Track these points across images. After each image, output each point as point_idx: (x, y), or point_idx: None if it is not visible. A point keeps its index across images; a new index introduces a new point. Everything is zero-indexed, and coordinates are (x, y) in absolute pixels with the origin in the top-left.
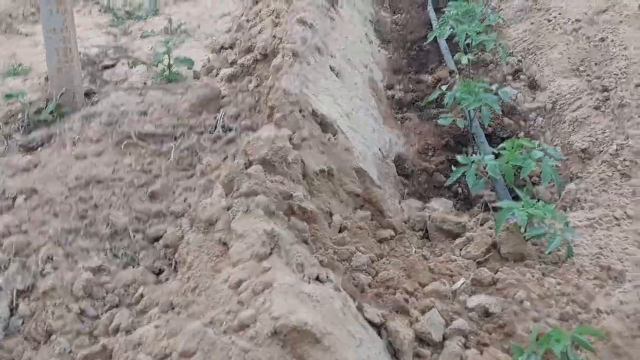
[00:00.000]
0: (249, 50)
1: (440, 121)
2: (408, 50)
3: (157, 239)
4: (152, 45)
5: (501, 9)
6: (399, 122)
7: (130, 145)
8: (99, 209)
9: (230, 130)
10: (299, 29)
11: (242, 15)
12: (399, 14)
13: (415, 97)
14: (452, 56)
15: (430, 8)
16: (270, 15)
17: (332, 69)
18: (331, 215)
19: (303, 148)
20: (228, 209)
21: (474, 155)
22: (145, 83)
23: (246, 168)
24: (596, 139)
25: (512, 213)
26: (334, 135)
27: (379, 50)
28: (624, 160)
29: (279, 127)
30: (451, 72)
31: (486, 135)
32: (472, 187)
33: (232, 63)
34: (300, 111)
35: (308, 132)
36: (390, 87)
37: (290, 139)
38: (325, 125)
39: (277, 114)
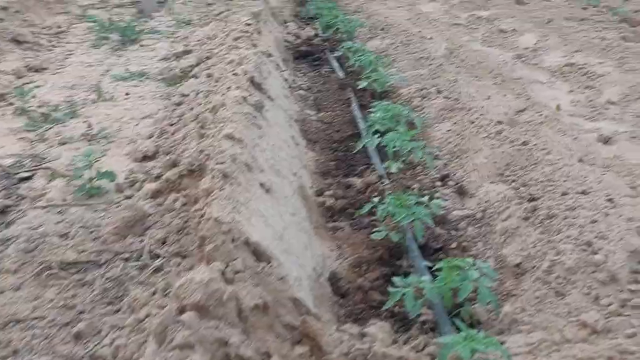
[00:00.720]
0: (174, 164)
1: (373, 236)
2: (335, 151)
3: None
4: (72, 154)
5: (424, 107)
6: (331, 232)
7: (51, 277)
8: (19, 355)
9: (157, 257)
10: (227, 145)
11: (164, 119)
12: (324, 112)
13: (346, 203)
14: (380, 158)
15: (354, 105)
16: (194, 120)
17: (262, 185)
18: (269, 356)
19: (237, 282)
20: None
21: (409, 273)
22: (65, 199)
23: (180, 314)
24: (528, 253)
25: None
26: (268, 263)
27: (306, 152)
28: (557, 277)
29: (211, 261)
30: (380, 177)
31: (420, 247)
32: (411, 311)
33: (157, 177)
34: (232, 241)
35: (242, 263)
36: (320, 193)
37: (223, 273)
38: (258, 253)
39: (209, 246)
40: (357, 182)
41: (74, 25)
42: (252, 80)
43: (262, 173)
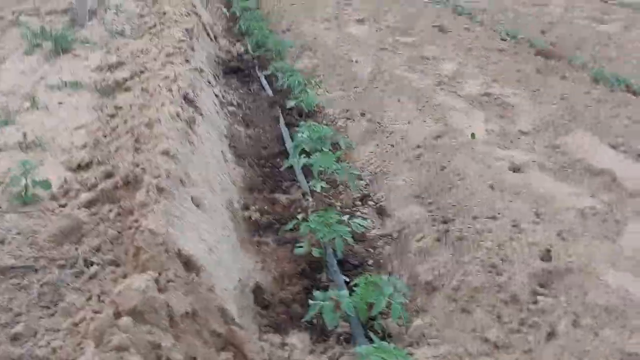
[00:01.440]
0: (110, 175)
1: (296, 251)
2: (262, 167)
3: None
4: (6, 162)
5: (348, 129)
6: (256, 247)
7: None
8: None
9: (92, 264)
10: (162, 160)
11: (98, 130)
12: (253, 129)
13: (272, 219)
14: (306, 176)
15: (282, 123)
16: (128, 133)
17: (194, 199)
18: None
19: (169, 291)
20: None
21: (328, 287)
22: (0, 207)
23: (116, 318)
24: (439, 272)
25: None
26: (198, 274)
27: (234, 168)
28: (464, 295)
29: (145, 270)
30: (304, 194)
31: (339, 262)
32: (329, 323)
33: (92, 187)
34: (166, 252)
35: (173, 273)
36: (246, 207)
37: (156, 282)
38: (190, 264)
39: (144, 256)
40: (283, 198)
41: (7, 31)
42: (185, 97)
43: (194, 188)
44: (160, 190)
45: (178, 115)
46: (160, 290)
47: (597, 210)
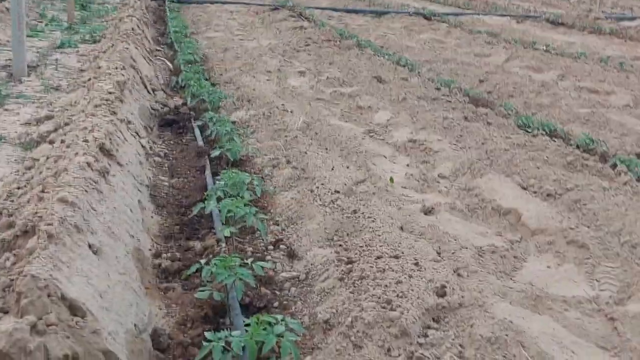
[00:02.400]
0: (11, 225)
1: (197, 295)
2: (182, 216)
3: None
4: None
5: (273, 176)
6: (163, 293)
7: None
8: None
9: None
10: (59, 208)
11: (13, 182)
12: (177, 178)
13: (182, 265)
14: (223, 223)
15: (207, 172)
16: (39, 184)
17: (90, 246)
18: None
19: (48, 334)
20: None
21: (227, 329)
22: None
23: None
24: (337, 310)
25: None
26: (82, 318)
27: (152, 217)
28: (357, 331)
29: (23, 314)
30: (218, 241)
31: (244, 306)
32: None
33: None
34: (48, 296)
35: (55, 317)
36: (158, 255)
37: (34, 326)
38: (74, 308)
39: (24, 300)
40: (198, 245)
41: None
42: (101, 147)
43: (93, 235)
44: (50, 236)
45: (89, 165)
46: (38, 333)
47: (497, 248)
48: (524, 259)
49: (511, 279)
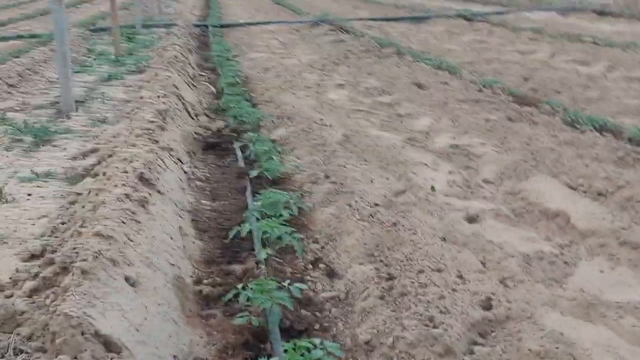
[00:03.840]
0: (52, 262)
1: (235, 322)
2: (223, 239)
3: None
4: None
5: (313, 192)
6: (204, 320)
7: None
8: None
9: (21, 352)
10: (94, 242)
11: (57, 218)
12: (219, 201)
13: (223, 290)
14: (264, 245)
15: (248, 193)
16: (81, 218)
17: (127, 279)
18: None
19: None
20: None
21: (271, 356)
22: None
23: None
24: (378, 330)
25: None
26: (118, 354)
27: (193, 242)
28: (399, 352)
29: (58, 354)
30: (258, 263)
31: (285, 330)
32: None
33: (35, 276)
34: (82, 334)
35: (89, 355)
36: (199, 281)
37: None
38: (109, 344)
39: (59, 340)
40: (238, 269)
41: None
42: (140, 177)
43: (129, 267)
44: (83, 272)
45: (127, 196)
46: None
47: (545, 254)
48: (575, 264)
49: (561, 286)
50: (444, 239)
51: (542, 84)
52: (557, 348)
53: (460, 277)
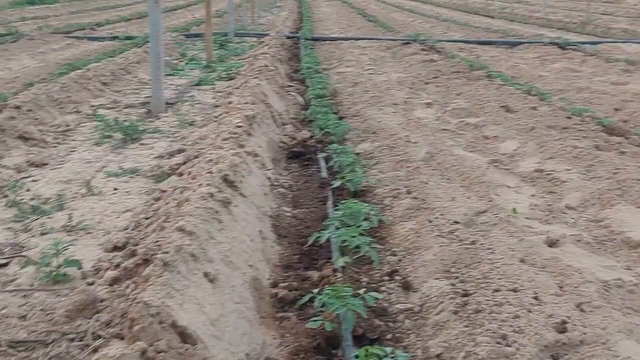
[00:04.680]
0: (133, 254)
1: (308, 325)
2: (302, 246)
3: None
4: (47, 244)
5: (393, 207)
6: (278, 322)
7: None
8: None
9: (99, 337)
10: (176, 237)
11: (141, 213)
12: (300, 209)
13: (298, 295)
14: (342, 254)
15: (329, 203)
16: (164, 214)
17: (206, 275)
18: None
19: None
20: None
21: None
22: (32, 285)
23: None
24: (450, 345)
25: None
26: (193, 346)
27: (272, 246)
28: None
29: (135, 341)
30: (335, 271)
31: (357, 337)
32: None
33: (117, 266)
34: (160, 323)
35: (165, 344)
36: (275, 284)
37: (144, 352)
38: (185, 335)
39: (136, 327)
40: (315, 275)
41: (82, 125)
42: (225, 179)
43: (209, 263)
44: (165, 264)
45: (211, 195)
46: (147, 359)
47: (625, 282)
48: None
49: (639, 315)
50: (522, 261)
51: (633, 116)
52: None
53: (536, 298)
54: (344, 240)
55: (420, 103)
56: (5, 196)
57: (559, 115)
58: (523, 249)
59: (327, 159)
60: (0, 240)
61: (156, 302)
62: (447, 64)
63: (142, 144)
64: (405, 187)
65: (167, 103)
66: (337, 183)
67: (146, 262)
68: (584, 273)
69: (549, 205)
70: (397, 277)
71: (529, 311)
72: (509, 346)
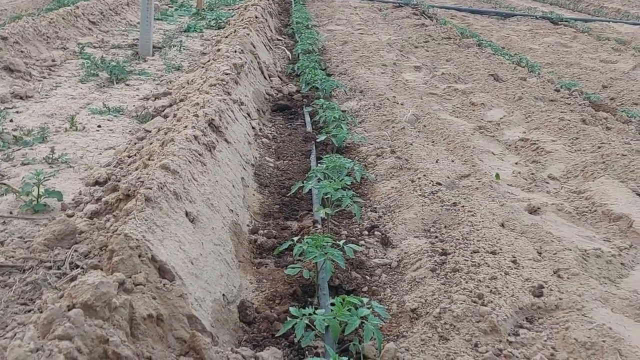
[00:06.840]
0: (115, 189)
1: (287, 271)
2: (283, 196)
3: None
4: (28, 175)
5: (377, 165)
6: (256, 268)
7: None
8: None
9: (77, 267)
10: (160, 174)
11: (124, 151)
12: (283, 160)
13: (277, 243)
14: (322, 205)
15: (312, 156)
16: (147, 153)
17: (187, 214)
18: None
19: (135, 292)
20: (37, 350)
21: (314, 308)
22: (11, 212)
23: (68, 311)
24: (426, 300)
25: None
26: (170, 281)
27: (253, 194)
28: (445, 323)
29: (113, 272)
30: (315, 222)
31: (333, 287)
32: (301, 340)
33: (98, 200)
34: (139, 256)
35: (144, 277)
36: (255, 231)
37: (122, 284)
38: (163, 271)
39: (115, 258)
40: (295, 225)
41: (68, 61)
42: (210, 123)
43: (191, 204)
44: (147, 200)
45: (196, 137)
46: (125, 290)
47: (603, 253)
48: (632, 266)
49: (615, 285)
50: (502, 225)
51: (620, 94)
52: (603, 341)
53: (515, 262)
54: (326, 193)
55: (409, 66)
56: None
57: (547, 88)
58: (504, 214)
59: (313, 114)
60: None
61: (137, 235)
62: (438, 29)
63: (127, 85)
64: (390, 147)
65: (155, 47)
66: (321, 137)
67: (128, 197)
68: (564, 241)
69: (532, 174)
70: (377, 233)
71: (507, 274)
72: (485, 305)
